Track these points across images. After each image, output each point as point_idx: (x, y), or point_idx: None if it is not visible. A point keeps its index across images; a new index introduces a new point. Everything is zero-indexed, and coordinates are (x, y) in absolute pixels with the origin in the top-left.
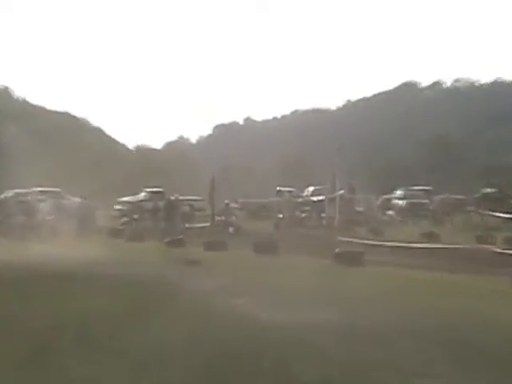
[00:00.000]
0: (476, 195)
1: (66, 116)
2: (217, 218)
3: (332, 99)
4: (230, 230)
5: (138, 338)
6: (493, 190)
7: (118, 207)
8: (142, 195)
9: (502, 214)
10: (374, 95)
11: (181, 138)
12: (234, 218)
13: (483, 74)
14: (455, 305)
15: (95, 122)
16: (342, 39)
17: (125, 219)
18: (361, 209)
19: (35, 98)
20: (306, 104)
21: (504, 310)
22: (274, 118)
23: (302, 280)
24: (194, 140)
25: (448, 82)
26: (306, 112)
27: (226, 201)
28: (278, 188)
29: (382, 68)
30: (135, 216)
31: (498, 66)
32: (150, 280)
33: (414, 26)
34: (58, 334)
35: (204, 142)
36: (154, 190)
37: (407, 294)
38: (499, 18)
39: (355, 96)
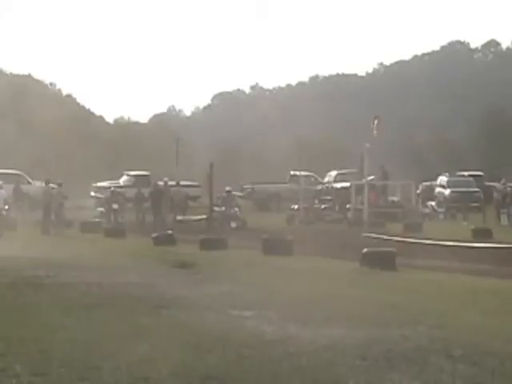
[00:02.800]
0: None
1: (27, 80)
2: (216, 209)
3: (361, 63)
4: (233, 224)
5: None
6: None
7: (93, 194)
8: (123, 180)
9: None
10: (414, 57)
11: (171, 109)
12: (237, 209)
13: None
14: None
15: (65, 88)
16: None
17: (101, 210)
18: (396, 199)
19: None
20: (328, 68)
21: None
22: (288, 86)
23: (320, 288)
24: (188, 112)
25: (505, 42)
26: (328, 78)
27: (228, 188)
28: (292, 172)
29: (423, 26)
30: (115, 206)
31: None
32: (123, 291)
33: None
34: None
35: (201, 115)
36: (138, 173)
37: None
38: None
39: (390, 59)
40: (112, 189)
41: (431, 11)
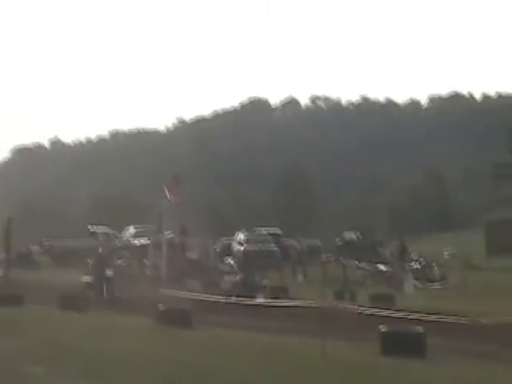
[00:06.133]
0: (337, 240)
1: None
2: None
3: (161, 119)
4: None
5: None
6: (357, 234)
7: None
8: None
9: (368, 266)
10: (214, 114)
11: None
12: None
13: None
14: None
15: None
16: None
17: None
18: (194, 256)
19: None
20: (127, 124)
21: None
22: (89, 141)
23: (115, 345)
24: None
25: (304, 99)
26: (129, 134)
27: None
28: (90, 227)
29: (223, 83)
30: None
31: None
32: None
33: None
34: None
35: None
36: None
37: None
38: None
39: (189, 115)
40: None
41: (230, 67)
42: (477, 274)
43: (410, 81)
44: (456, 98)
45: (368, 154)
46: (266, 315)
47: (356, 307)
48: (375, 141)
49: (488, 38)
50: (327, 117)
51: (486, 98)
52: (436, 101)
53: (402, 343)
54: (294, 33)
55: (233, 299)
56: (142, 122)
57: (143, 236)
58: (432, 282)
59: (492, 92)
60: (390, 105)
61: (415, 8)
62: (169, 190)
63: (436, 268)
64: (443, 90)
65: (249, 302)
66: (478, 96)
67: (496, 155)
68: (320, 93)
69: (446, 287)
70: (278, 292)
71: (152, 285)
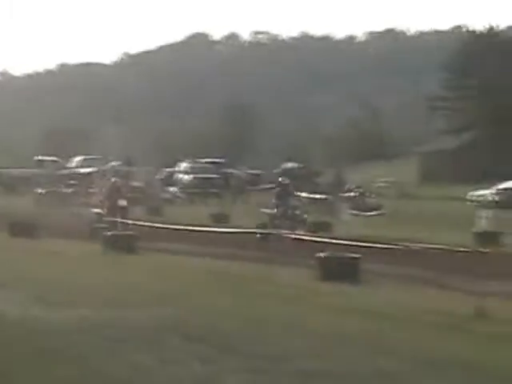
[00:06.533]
0: (276, 170)
1: None
2: None
3: (107, 52)
4: None
5: None
6: (296, 165)
7: None
8: None
9: (305, 194)
10: (159, 48)
11: None
12: None
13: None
14: (217, 301)
15: None
16: None
17: None
18: (139, 184)
19: None
20: (74, 57)
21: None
22: (37, 73)
23: (65, 270)
24: None
25: (245, 35)
26: (76, 67)
27: None
28: (36, 157)
29: (168, 17)
30: None
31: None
32: None
33: None
34: None
35: None
36: None
37: (170, 282)
38: None
39: (135, 48)
40: None
41: (175, 2)
42: (410, 202)
43: (348, 17)
44: (392, 33)
45: (307, 87)
46: (209, 241)
47: (295, 234)
48: (314, 75)
49: None
50: (267, 51)
51: (422, 34)
52: (373, 36)
53: (339, 268)
54: None
55: (177, 226)
56: (90, 55)
57: (90, 166)
58: (367, 210)
59: (428, 28)
60: (328, 40)
61: None
62: None
63: (371, 197)
64: (380, 26)
65: (192, 228)
66: (413, 32)
67: (430, 90)
68: (261, 28)
69: (380, 215)
70: (220, 219)
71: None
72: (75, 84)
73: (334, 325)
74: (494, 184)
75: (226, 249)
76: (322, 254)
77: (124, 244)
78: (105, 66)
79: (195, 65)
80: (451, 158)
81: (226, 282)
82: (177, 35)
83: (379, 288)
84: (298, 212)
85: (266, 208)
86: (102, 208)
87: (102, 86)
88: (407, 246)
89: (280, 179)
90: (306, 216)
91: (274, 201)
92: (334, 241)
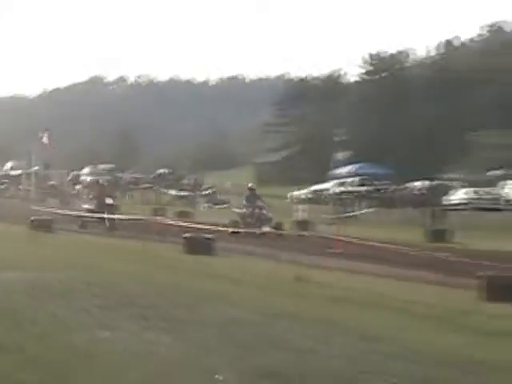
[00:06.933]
0: (152, 175)
1: None
2: None
3: (30, 87)
4: None
5: None
6: (167, 170)
7: None
8: None
9: (174, 191)
10: (68, 86)
11: None
12: None
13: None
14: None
15: None
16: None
17: None
18: (54, 183)
19: None
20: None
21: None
22: None
23: None
24: None
25: (131, 77)
26: (4, 98)
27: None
28: None
29: (71, 61)
30: None
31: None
32: None
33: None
34: None
35: None
36: None
37: (81, 254)
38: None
39: (51, 85)
40: None
41: (79, 47)
42: None
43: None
44: (236, 79)
45: (175, 119)
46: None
47: (167, 220)
48: (184, 108)
49: None
50: (144, 91)
51: (259, 79)
52: (223, 80)
53: (199, 245)
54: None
55: (84, 214)
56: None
57: (18, 169)
58: (218, 204)
59: (263, 75)
60: (191, 84)
61: None
62: (43, 137)
63: (219, 194)
64: (228, 72)
65: (95, 215)
66: (252, 77)
67: (264, 119)
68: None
69: (228, 207)
70: (114, 209)
71: (24, 203)
72: (5, 112)
73: (191, 282)
74: (307, 186)
75: (119, 231)
76: (187, 235)
77: (44, 226)
78: (27, 98)
79: (95, 100)
80: (276, 167)
81: (119, 253)
82: (81, 76)
83: (228, 259)
84: (264, 211)
85: (237, 208)
86: (90, 204)
87: (26, 113)
88: (248, 232)
89: (249, 185)
90: (270, 215)
91: (244, 202)
92: (194, 225)
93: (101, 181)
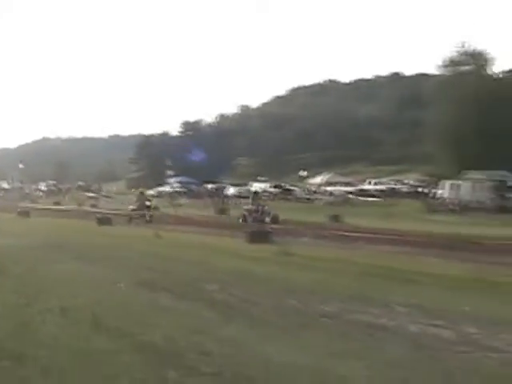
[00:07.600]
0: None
1: None
2: None
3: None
4: None
5: None
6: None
7: None
8: None
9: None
10: (19, 146)
11: None
12: None
13: None
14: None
15: None
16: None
17: None
18: (27, 191)
19: None
20: None
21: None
22: None
23: None
24: None
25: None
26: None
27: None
28: None
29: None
30: None
31: None
32: None
33: None
34: None
35: None
36: None
37: (46, 229)
38: None
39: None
40: None
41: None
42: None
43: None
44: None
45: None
46: (60, 213)
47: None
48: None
49: None
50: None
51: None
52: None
53: (105, 221)
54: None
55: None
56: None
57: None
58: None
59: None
60: None
61: None
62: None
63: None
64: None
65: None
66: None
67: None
68: None
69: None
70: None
71: (13, 203)
72: None
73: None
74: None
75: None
76: (97, 215)
77: (27, 214)
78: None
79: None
80: (137, 179)
81: (76, 228)
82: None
83: (119, 227)
84: (266, 208)
85: (246, 205)
86: (134, 205)
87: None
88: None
89: (252, 189)
90: (270, 211)
91: (250, 201)
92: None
93: (140, 190)
